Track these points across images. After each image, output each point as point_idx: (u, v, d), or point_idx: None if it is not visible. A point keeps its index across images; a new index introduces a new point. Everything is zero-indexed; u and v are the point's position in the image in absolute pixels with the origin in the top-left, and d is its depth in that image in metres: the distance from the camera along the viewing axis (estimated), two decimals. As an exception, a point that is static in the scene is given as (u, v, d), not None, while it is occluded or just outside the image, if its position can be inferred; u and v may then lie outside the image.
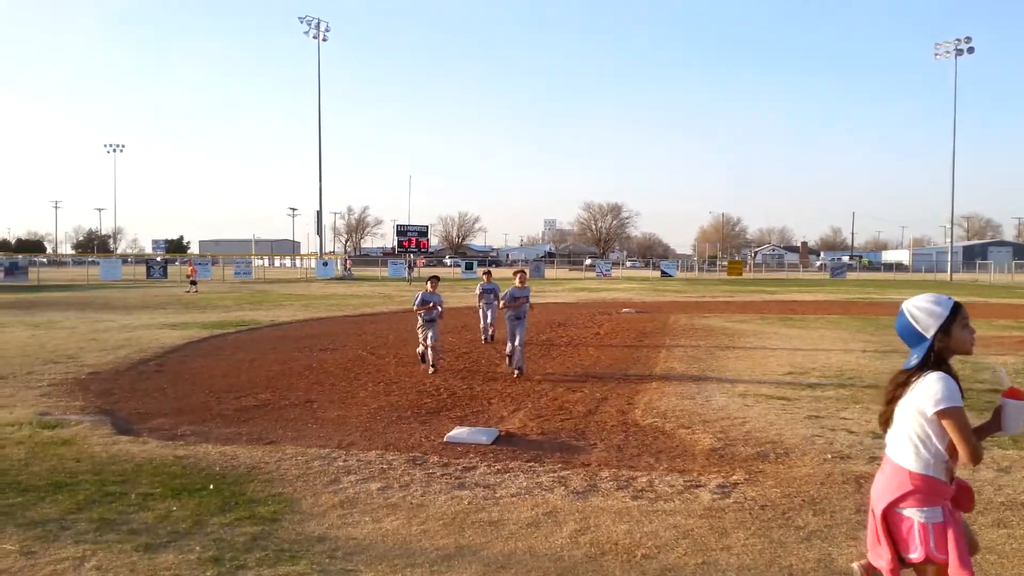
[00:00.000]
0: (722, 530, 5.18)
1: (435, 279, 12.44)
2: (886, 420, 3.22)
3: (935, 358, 3.05)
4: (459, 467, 6.65)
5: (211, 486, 6.01)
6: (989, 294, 40.00)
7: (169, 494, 5.81)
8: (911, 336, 3.13)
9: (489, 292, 15.74)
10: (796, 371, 12.16)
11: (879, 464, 6.84)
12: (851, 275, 75.85)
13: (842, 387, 10.70)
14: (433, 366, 11.80)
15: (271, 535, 5.02)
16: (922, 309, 3.10)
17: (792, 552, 4.82)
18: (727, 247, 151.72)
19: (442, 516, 5.42)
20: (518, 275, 12.21)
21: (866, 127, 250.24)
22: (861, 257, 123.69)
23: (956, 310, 3.09)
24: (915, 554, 3.06)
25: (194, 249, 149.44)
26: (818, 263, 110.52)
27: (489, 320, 15.75)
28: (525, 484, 6.20)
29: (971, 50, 69.49)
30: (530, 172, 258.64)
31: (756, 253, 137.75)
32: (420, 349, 12.14)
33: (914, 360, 3.10)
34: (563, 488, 6.10)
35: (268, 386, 10.73)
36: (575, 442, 7.70)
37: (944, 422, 2.95)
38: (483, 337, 15.86)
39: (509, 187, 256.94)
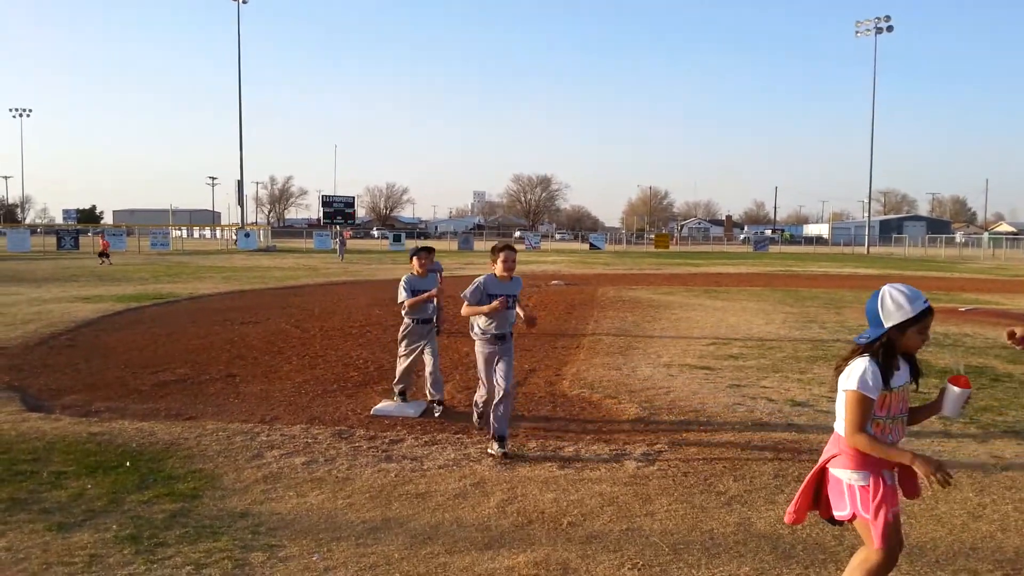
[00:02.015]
0: (646, 497, 5.27)
1: (427, 252, 7.91)
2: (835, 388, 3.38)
3: (881, 347, 3.17)
4: (386, 440, 6.60)
5: (127, 463, 5.82)
6: (904, 267, 41.68)
7: (83, 472, 5.60)
8: (872, 317, 3.23)
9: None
10: (719, 342, 12.44)
11: (797, 431, 7.10)
12: (773, 248, 77.95)
13: (763, 357, 11.00)
14: (440, 403, 7.67)
15: (191, 512, 4.89)
16: (894, 299, 3.17)
17: (713, 517, 4.93)
18: (655, 220, 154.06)
19: (368, 489, 5.37)
20: (501, 255, 6.45)
21: (789, 104, 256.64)
22: (783, 231, 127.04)
23: (922, 316, 3.16)
24: (844, 512, 3.24)
25: (108, 219, 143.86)
26: (742, 236, 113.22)
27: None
28: (453, 456, 6.19)
29: (890, 28, 71.66)
30: (459, 144, 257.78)
31: (683, 226, 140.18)
32: (399, 384, 7.85)
33: (864, 340, 3.21)
34: (491, 459, 6.11)
35: (187, 360, 10.42)
36: (503, 413, 7.70)
37: (845, 395, 3.15)
38: None
39: (438, 159, 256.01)
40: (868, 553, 3.30)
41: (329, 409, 7.77)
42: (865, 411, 3.10)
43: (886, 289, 3.23)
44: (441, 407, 7.64)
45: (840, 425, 3.27)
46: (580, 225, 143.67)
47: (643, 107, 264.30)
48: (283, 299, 19.53)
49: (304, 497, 5.20)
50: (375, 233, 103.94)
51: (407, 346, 7.76)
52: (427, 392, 7.69)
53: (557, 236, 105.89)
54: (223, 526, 4.66)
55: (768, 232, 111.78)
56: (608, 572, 4.14)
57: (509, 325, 6.48)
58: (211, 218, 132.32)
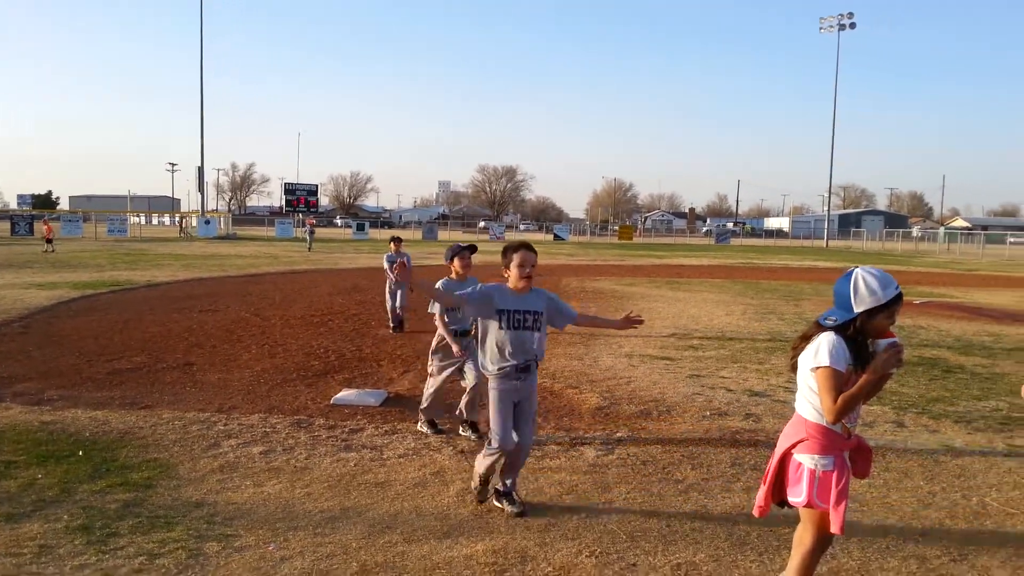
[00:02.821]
0: (604, 485, 5.31)
1: (471, 251, 6.84)
2: (793, 368, 3.33)
3: (855, 332, 3.12)
4: (346, 429, 6.55)
5: (80, 452, 5.71)
6: (862, 260, 42.41)
7: (34, 461, 5.48)
8: (842, 300, 3.15)
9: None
10: (680, 333, 12.55)
11: (754, 421, 7.19)
12: (735, 241, 78.83)
13: (722, 347, 11.13)
14: (474, 426, 6.51)
15: (145, 502, 4.81)
16: (868, 285, 3.10)
17: (670, 504, 4.98)
18: (619, 212, 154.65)
19: (327, 478, 5.33)
20: (516, 258, 4.74)
21: (752, 99, 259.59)
22: (745, 224, 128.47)
23: (893, 302, 3.12)
24: (800, 498, 3.22)
25: (64, 205, 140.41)
26: (704, 229, 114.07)
27: (398, 303, 12.18)
28: (413, 445, 6.17)
29: (853, 25, 72.58)
30: (425, 133, 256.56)
31: (646, 218, 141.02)
32: (428, 411, 6.64)
33: (831, 322, 3.15)
34: (451, 448, 6.11)
35: (144, 348, 10.25)
36: (464, 403, 7.70)
37: (815, 376, 3.10)
38: (391, 324, 12.28)
39: (403, 148, 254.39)
40: (803, 535, 3.36)
41: (288, 398, 7.70)
42: (839, 385, 3.04)
43: (859, 272, 3.16)
44: (476, 433, 6.43)
45: (803, 406, 3.24)
46: (545, 216, 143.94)
47: (609, 99, 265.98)
48: (243, 287, 19.28)
49: (261, 487, 5.15)
50: (338, 222, 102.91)
51: (441, 361, 6.58)
52: (459, 410, 6.55)
53: (522, 226, 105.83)
54: (178, 516, 4.60)
55: (730, 225, 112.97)
56: (566, 560, 4.16)
57: (533, 352, 4.77)
58: (170, 205, 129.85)
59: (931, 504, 5.10)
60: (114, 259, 28.97)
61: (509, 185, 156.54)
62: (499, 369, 4.66)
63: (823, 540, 3.31)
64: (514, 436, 4.66)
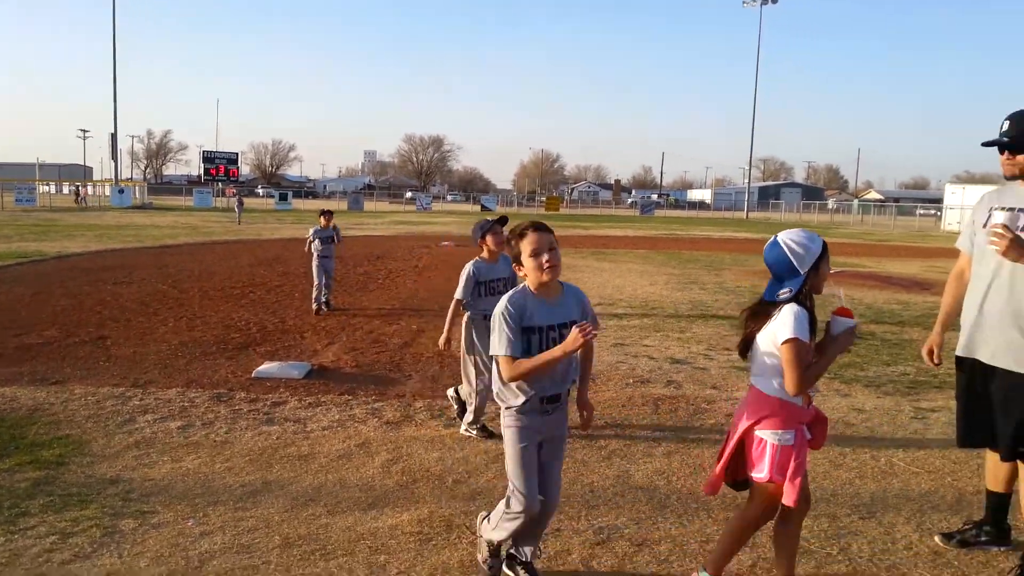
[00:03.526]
0: (530, 453, 5.34)
1: (502, 224, 6.21)
2: (745, 347, 3.29)
3: (803, 295, 3.13)
4: (268, 402, 6.44)
5: (-15, 431, 5.47)
6: (780, 231, 43.55)
7: (-67, 441, 5.23)
8: (784, 268, 3.15)
9: (328, 241, 11.53)
10: (605, 302, 12.72)
11: (675, 388, 7.33)
12: (659, 212, 79.89)
13: (646, 317, 11.32)
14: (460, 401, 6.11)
15: (56, 480, 4.65)
16: (800, 244, 3.12)
17: (594, 470, 5.07)
18: (546, 183, 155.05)
19: (248, 452, 5.24)
20: (524, 247, 3.28)
21: (677, 72, 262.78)
22: (668, 195, 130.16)
23: (826, 248, 3.17)
24: (761, 474, 3.21)
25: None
26: (630, 200, 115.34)
27: (325, 281, 11.31)
28: (337, 417, 6.11)
29: (775, 0, 73.66)
30: (350, 101, 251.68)
31: (573, 189, 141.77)
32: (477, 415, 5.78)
33: (784, 293, 3.13)
34: (376, 420, 6.07)
35: (54, 322, 9.84)
36: (390, 374, 7.66)
37: (783, 349, 3.07)
38: (314, 304, 11.28)
39: (327, 116, 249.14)
40: (748, 506, 3.39)
41: (208, 372, 7.51)
42: (806, 357, 3.05)
43: (784, 237, 3.18)
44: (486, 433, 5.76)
45: (763, 384, 3.20)
46: (472, 187, 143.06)
47: (535, 71, 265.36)
48: (160, 258, 18.67)
49: (179, 462, 5.02)
50: (260, 191, 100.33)
51: (470, 350, 5.96)
52: (458, 391, 6.18)
53: (449, 197, 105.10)
54: (91, 493, 4.46)
55: (654, 197, 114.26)
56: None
57: (568, 377, 3.55)
58: (82, 173, 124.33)
59: (842, 464, 5.31)
60: (22, 230, 27.67)
61: (436, 155, 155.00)
62: (519, 401, 3.39)
63: (767, 513, 3.33)
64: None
